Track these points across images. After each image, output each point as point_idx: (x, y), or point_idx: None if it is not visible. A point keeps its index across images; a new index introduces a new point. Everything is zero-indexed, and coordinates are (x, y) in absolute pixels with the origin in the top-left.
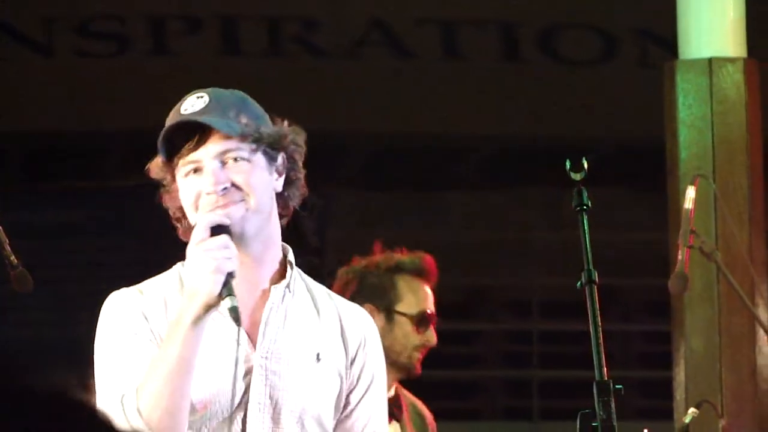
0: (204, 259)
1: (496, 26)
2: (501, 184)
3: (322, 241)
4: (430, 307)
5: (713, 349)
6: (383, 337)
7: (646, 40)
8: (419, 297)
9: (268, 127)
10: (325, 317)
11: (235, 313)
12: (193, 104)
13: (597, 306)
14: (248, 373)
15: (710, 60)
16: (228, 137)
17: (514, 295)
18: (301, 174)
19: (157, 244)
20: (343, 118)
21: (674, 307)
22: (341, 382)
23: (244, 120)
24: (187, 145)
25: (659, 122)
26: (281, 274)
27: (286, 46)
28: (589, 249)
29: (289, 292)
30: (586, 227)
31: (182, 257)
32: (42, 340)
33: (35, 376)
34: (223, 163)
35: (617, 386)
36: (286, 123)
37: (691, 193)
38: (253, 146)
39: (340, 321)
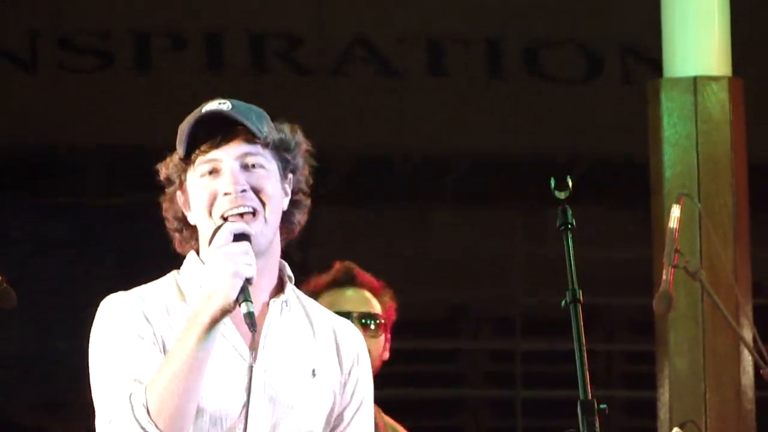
0: (225, 263)
1: (480, 43)
2: (484, 200)
3: (305, 255)
4: (354, 308)
5: (697, 368)
6: None
7: (631, 58)
8: (337, 303)
9: (287, 139)
10: (319, 333)
11: (251, 318)
12: (217, 104)
13: (581, 325)
14: (244, 384)
15: (695, 78)
16: (251, 141)
17: (497, 313)
18: (308, 201)
19: (136, 261)
20: (326, 134)
21: (658, 326)
22: (335, 398)
23: (265, 128)
24: (209, 143)
25: (643, 140)
26: (279, 288)
27: (270, 63)
28: (573, 268)
29: (287, 306)
30: (570, 246)
31: (160, 274)
32: (19, 355)
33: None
34: (244, 167)
35: (601, 406)
36: (299, 134)
37: (675, 212)
38: (271, 156)
39: (335, 337)
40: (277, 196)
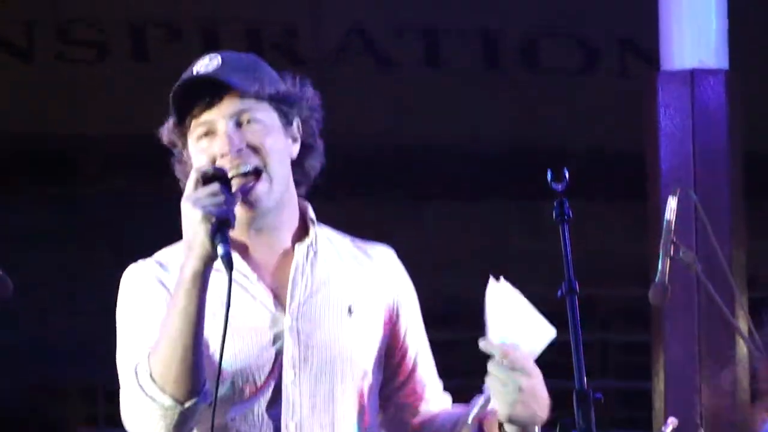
0: (192, 211)
1: (477, 35)
2: (479, 192)
3: None
4: None
5: (692, 359)
6: None
7: (628, 51)
8: None
9: (283, 88)
10: (354, 269)
11: (227, 258)
12: (206, 65)
13: (577, 316)
14: (279, 337)
15: (692, 71)
16: (242, 97)
17: None
18: (320, 142)
19: (132, 250)
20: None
21: (654, 317)
22: (379, 330)
23: (258, 81)
24: (199, 106)
25: (639, 133)
26: (303, 232)
27: (267, 53)
28: (570, 260)
29: (313, 250)
30: (567, 238)
31: None
32: (13, 343)
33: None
34: (238, 125)
35: (597, 395)
36: (298, 82)
37: (672, 203)
38: (269, 108)
39: (370, 268)
40: (280, 148)
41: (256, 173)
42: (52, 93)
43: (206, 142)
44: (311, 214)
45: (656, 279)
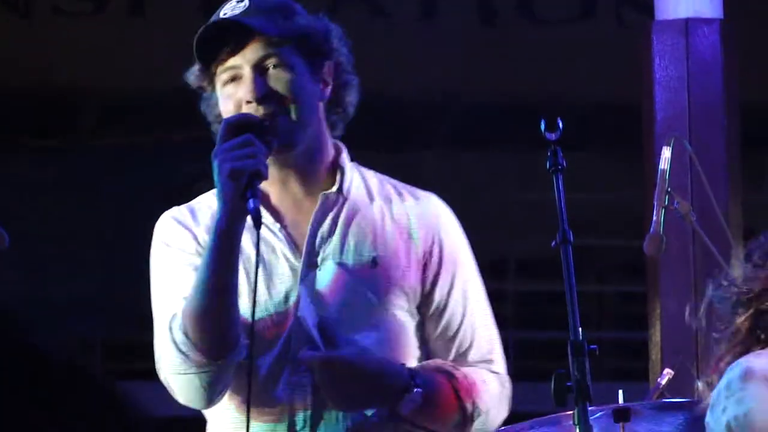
0: (221, 165)
1: None
2: (475, 144)
3: None
4: None
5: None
6: None
7: (623, 1)
8: None
9: (312, 30)
10: (386, 218)
11: (256, 214)
12: (232, 8)
13: (572, 266)
14: (294, 288)
15: (687, 21)
16: (268, 42)
17: (489, 256)
18: (355, 78)
19: (133, 203)
20: None
21: (649, 267)
22: (411, 283)
23: (285, 23)
24: (224, 51)
25: (635, 83)
26: (333, 178)
27: None
28: (563, 209)
29: (342, 196)
30: (561, 187)
31: (155, 216)
32: (12, 299)
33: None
34: (264, 70)
35: (592, 347)
36: (325, 19)
37: (666, 153)
38: (296, 51)
39: (407, 218)
40: (306, 91)
41: (283, 119)
42: (49, 47)
43: (232, 88)
44: (344, 158)
45: (651, 229)
